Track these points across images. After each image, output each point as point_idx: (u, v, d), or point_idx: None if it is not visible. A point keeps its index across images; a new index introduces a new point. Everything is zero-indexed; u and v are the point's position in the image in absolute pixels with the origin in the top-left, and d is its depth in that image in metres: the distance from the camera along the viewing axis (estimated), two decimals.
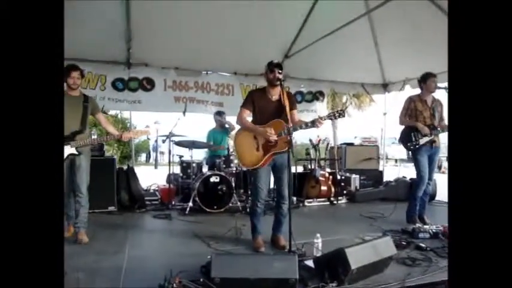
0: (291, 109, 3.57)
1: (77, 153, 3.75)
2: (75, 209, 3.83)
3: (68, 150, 3.73)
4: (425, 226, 4.12)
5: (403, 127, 4.65)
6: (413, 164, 4.66)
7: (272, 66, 3.53)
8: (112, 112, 14.48)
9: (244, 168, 5.58)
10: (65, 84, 3.74)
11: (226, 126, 6.45)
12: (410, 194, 4.82)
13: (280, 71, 3.50)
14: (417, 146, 4.44)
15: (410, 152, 4.65)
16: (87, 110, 3.87)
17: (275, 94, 3.63)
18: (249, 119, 3.67)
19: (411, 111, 4.53)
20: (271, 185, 3.95)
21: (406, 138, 4.55)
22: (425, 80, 4.44)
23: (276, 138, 3.43)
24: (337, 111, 3.34)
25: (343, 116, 3.32)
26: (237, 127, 3.86)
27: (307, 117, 7.33)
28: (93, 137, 4.13)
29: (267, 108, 3.61)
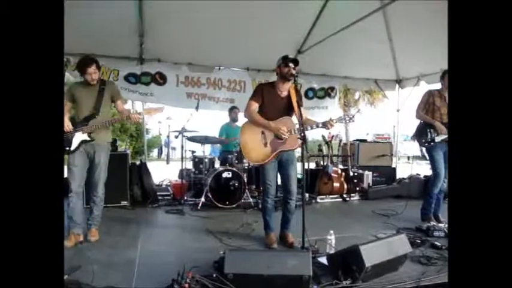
0: (299, 106, 3.44)
1: (88, 139, 3.49)
2: (90, 206, 3.69)
3: (80, 136, 3.48)
4: (440, 224, 4.06)
5: (417, 123, 4.55)
6: (428, 161, 4.57)
7: (287, 61, 3.43)
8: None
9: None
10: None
11: (238, 125, 6.47)
12: (426, 191, 4.74)
13: (294, 67, 3.42)
14: (432, 143, 4.35)
15: (423, 149, 4.57)
16: (103, 93, 3.61)
17: (284, 90, 3.55)
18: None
19: (429, 106, 4.42)
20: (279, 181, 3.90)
21: (421, 134, 4.44)
22: (445, 76, 4.34)
23: (287, 137, 3.40)
24: (347, 116, 3.51)
25: (353, 121, 3.52)
26: (244, 120, 3.66)
27: (319, 114, 7.34)
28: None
29: (276, 103, 3.53)
